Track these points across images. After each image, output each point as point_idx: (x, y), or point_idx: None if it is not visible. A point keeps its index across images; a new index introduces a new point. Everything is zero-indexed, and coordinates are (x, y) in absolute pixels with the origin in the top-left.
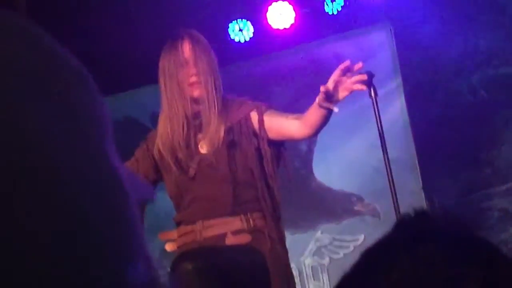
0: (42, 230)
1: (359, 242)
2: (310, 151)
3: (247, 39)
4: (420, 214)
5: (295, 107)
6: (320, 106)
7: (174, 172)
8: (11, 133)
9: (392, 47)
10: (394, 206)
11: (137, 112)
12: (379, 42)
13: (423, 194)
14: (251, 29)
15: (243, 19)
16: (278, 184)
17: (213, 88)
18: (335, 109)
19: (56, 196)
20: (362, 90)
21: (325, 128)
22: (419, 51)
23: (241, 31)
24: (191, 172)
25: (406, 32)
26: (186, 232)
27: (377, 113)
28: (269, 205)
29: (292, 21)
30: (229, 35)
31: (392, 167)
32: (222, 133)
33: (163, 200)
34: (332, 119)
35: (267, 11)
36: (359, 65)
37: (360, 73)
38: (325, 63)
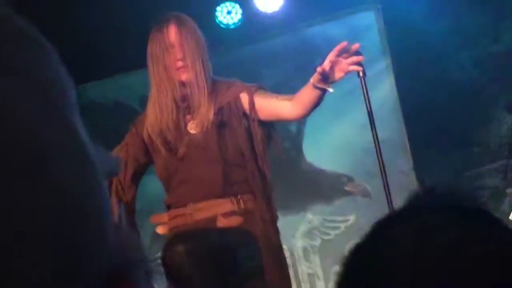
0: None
1: (349, 223)
2: (300, 132)
3: (236, 21)
4: (421, 193)
5: (284, 88)
6: (315, 86)
7: (163, 154)
8: None
9: (380, 27)
10: (384, 186)
11: (126, 97)
12: (368, 23)
13: (414, 174)
14: (239, 11)
15: (231, 2)
16: (269, 165)
17: (201, 71)
18: (330, 90)
19: (26, 166)
20: (358, 71)
21: (315, 110)
22: (408, 31)
23: (229, 13)
24: (180, 153)
25: (395, 11)
26: (177, 215)
27: (366, 93)
28: (260, 186)
29: (280, 3)
30: (217, 18)
31: (382, 147)
32: (211, 115)
33: (154, 183)
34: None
35: None
36: (356, 45)
37: (356, 54)
38: (313, 44)
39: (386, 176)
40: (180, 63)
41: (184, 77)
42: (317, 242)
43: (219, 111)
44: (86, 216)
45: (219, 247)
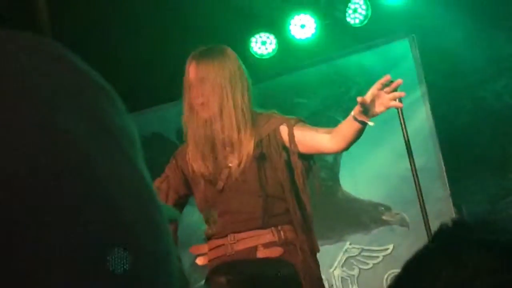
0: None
1: (388, 252)
2: (336, 162)
3: (270, 51)
4: (457, 223)
5: (319, 118)
6: (355, 119)
7: (203, 186)
8: (55, 145)
9: (415, 56)
10: (423, 215)
11: (163, 128)
12: (402, 52)
13: (451, 202)
14: (274, 41)
15: (266, 32)
16: (309, 197)
17: (222, 107)
18: (371, 123)
19: (96, 203)
20: (398, 107)
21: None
22: (443, 59)
23: (263, 44)
24: (220, 185)
25: (430, 40)
26: (217, 245)
27: (402, 122)
28: (300, 218)
29: (314, 32)
30: (252, 49)
31: (419, 175)
32: (251, 148)
33: (192, 215)
34: None
35: (290, 23)
36: (398, 81)
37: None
38: (348, 74)
39: (424, 205)
40: (199, 100)
41: (204, 114)
42: (355, 272)
43: (258, 144)
44: (156, 260)
45: (260, 278)
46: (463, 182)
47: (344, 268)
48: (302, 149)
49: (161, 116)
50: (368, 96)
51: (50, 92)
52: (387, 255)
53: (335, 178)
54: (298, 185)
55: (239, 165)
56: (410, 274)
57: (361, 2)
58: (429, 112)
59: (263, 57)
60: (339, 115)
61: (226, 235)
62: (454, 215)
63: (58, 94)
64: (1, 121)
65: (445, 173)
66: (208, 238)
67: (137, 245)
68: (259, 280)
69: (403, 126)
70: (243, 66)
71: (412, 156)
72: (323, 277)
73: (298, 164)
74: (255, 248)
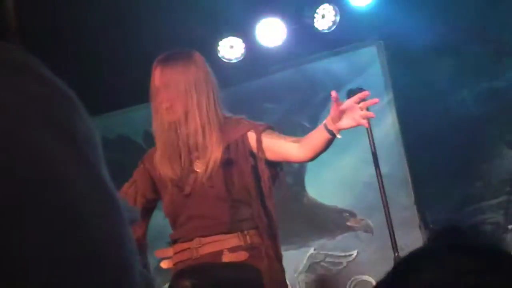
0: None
1: (352, 258)
2: (302, 167)
3: (238, 56)
4: (450, 229)
5: (286, 123)
6: (326, 128)
7: (170, 190)
8: (25, 156)
9: (383, 63)
10: (387, 221)
11: (129, 130)
12: (370, 58)
13: (415, 209)
14: (242, 46)
15: (234, 36)
16: (274, 202)
17: (187, 112)
18: (338, 136)
19: (62, 215)
20: (366, 127)
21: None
22: (410, 66)
23: (231, 48)
24: (187, 190)
25: (397, 47)
26: (183, 249)
27: (369, 129)
28: (266, 223)
29: (283, 38)
30: (219, 52)
31: (384, 182)
32: (218, 154)
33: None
34: None
35: (257, 28)
36: (365, 93)
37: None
38: (316, 79)
39: (389, 211)
40: (164, 105)
41: (169, 118)
42: (320, 277)
43: (226, 149)
44: (120, 266)
45: (225, 282)
46: (428, 190)
47: (309, 273)
48: (269, 156)
49: (129, 119)
50: (345, 105)
51: (15, 102)
52: (351, 261)
53: (301, 184)
54: (264, 191)
55: (206, 170)
56: (399, 268)
57: (330, 8)
58: (395, 119)
59: (231, 61)
60: (305, 120)
61: (192, 239)
62: (418, 222)
63: (23, 104)
64: None
65: (410, 180)
66: (174, 241)
67: (100, 253)
68: (223, 284)
69: (369, 133)
70: (210, 70)
71: (378, 163)
72: (288, 282)
73: (265, 171)
74: (220, 252)
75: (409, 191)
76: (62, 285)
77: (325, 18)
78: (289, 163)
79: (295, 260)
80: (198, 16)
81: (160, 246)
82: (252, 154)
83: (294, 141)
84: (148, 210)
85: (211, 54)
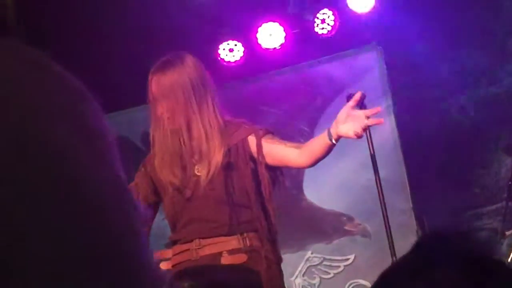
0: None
1: (349, 262)
2: (300, 170)
3: (238, 59)
4: (435, 235)
5: (284, 126)
6: (330, 137)
7: (170, 193)
8: (42, 149)
9: (382, 68)
10: (385, 226)
11: (128, 132)
12: (369, 63)
13: (413, 214)
14: (241, 49)
15: (234, 40)
16: (274, 206)
17: (189, 120)
18: (334, 141)
19: (78, 208)
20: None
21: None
22: (409, 72)
23: (231, 51)
24: (188, 193)
25: (396, 52)
26: (182, 250)
27: (368, 133)
28: (265, 226)
29: (282, 41)
30: (220, 55)
31: (382, 186)
32: (220, 158)
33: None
34: None
35: (257, 31)
36: (378, 108)
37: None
38: (314, 83)
39: (387, 216)
40: (164, 114)
41: (171, 126)
42: (316, 281)
43: (226, 153)
44: (137, 265)
45: (224, 284)
46: (426, 195)
47: (305, 277)
48: (269, 161)
49: (127, 120)
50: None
51: (34, 98)
52: (348, 265)
53: (299, 187)
54: (264, 195)
55: (207, 174)
56: (386, 283)
57: (330, 13)
58: (394, 124)
59: (230, 64)
60: (304, 124)
61: (192, 240)
62: (416, 227)
63: (42, 101)
64: None
65: (408, 185)
66: (173, 243)
67: (119, 250)
68: (222, 286)
69: (368, 137)
70: (206, 72)
71: (377, 167)
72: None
73: (265, 175)
74: (219, 254)
75: (407, 195)
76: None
77: (325, 23)
78: (288, 168)
79: (292, 264)
80: (199, 19)
81: (157, 247)
82: (252, 158)
83: (294, 147)
84: (150, 214)
85: (210, 56)
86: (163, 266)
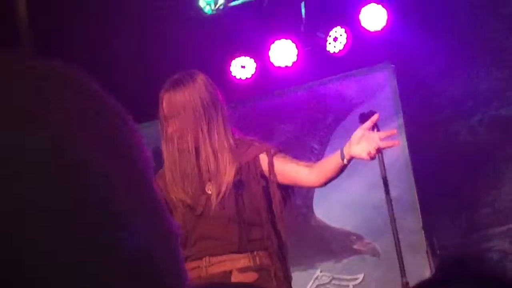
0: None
1: (358, 281)
2: (311, 189)
3: (249, 76)
4: (458, 258)
5: (296, 144)
6: (343, 157)
7: (181, 210)
8: (79, 175)
9: (394, 87)
10: (395, 246)
11: None
12: (381, 82)
13: (423, 234)
14: (253, 66)
15: (246, 57)
16: (284, 224)
17: (197, 139)
18: (345, 162)
19: (119, 241)
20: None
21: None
22: (421, 91)
23: (243, 68)
24: (198, 210)
25: (409, 72)
26: (192, 267)
27: (380, 153)
28: (276, 245)
29: (294, 59)
30: (232, 72)
31: (393, 206)
32: (231, 177)
33: None
34: None
35: (269, 49)
36: (393, 131)
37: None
38: (326, 102)
39: (397, 236)
40: (176, 134)
41: (180, 146)
42: None
43: (237, 171)
44: (178, 282)
45: None
46: (436, 215)
47: None
48: (280, 179)
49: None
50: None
51: (66, 119)
52: (357, 284)
53: (309, 205)
54: (275, 213)
55: (218, 193)
56: None
57: (342, 31)
58: (405, 144)
59: (242, 81)
60: (315, 143)
61: (201, 258)
62: (425, 248)
63: (75, 121)
64: (16, 146)
65: (418, 205)
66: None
67: (159, 272)
68: None
69: (380, 158)
70: (217, 91)
71: (388, 187)
72: None
73: (276, 194)
74: (229, 272)
75: (417, 215)
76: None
77: (337, 41)
78: (299, 187)
79: (301, 282)
80: (211, 35)
81: None
82: (264, 176)
83: (306, 166)
84: None
85: (222, 73)
86: None
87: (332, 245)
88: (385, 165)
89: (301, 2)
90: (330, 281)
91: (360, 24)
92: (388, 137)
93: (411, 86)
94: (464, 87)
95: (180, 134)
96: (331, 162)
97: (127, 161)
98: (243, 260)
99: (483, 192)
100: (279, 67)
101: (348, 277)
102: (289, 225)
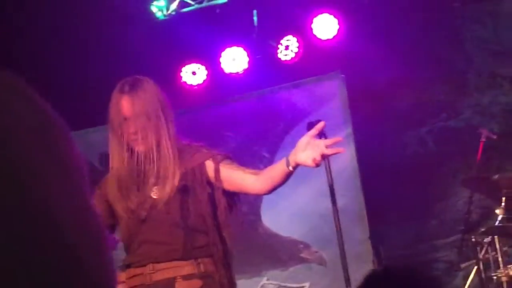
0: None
1: None
2: (259, 196)
3: (200, 82)
4: (384, 272)
5: (245, 152)
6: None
7: (126, 215)
8: (16, 181)
9: (344, 96)
10: (341, 255)
11: (86, 152)
12: (332, 91)
13: (369, 244)
14: (205, 72)
15: (197, 63)
16: (230, 231)
17: (159, 141)
18: (291, 168)
19: (50, 240)
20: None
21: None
22: (371, 101)
23: (194, 74)
24: (142, 215)
25: (359, 81)
26: (136, 274)
27: (327, 162)
28: (220, 252)
29: (245, 66)
30: (182, 78)
31: (340, 215)
32: (175, 182)
33: None
34: None
35: (221, 56)
36: (339, 138)
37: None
38: (277, 109)
39: (343, 245)
40: (133, 136)
41: (139, 148)
42: None
43: (183, 176)
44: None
45: None
46: (383, 225)
47: None
48: (227, 186)
49: (85, 141)
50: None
51: (12, 123)
52: None
53: (256, 212)
54: (220, 220)
55: (163, 197)
56: None
57: (294, 40)
58: (354, 153)
59: (193, 87)
60: (264, 151)
61: (145, 265)
62: (372, 257)
63: (19, 126)
64: None
65: (365, 215)
66: (127, 266)
67: (90, 280)
68: None
69: (327, 166)
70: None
71: (335, 196)
72: None
73: (221, 200)
74: (173, 279)
75: (365, 225)
76: None
77: (288, 49)
78: (246, 194)
79: None
80: (162, 41)
81: None
82: (210, 183)
83: (252, 173)
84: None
85: (173, 79)
86: None
87: (279, 253)
88: (332, 174)
89: (253, 10)
90: None
91: (312, 33)
92: (333, 144)
93: (361, 96)
94: (413, 98)
95: (144, 134)
96: (277, 169)
97: (64, 170)
98: (187, 267)
99: (431, 203)
100: (230, 74)
101: (294, 285)
102: (236, 232)
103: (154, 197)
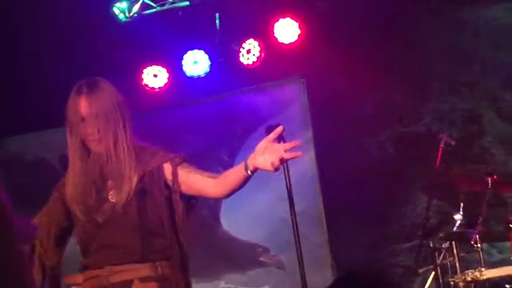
0: None
1: None
2: (218, 200)
3: (162, 85)
4: (348, 275)
5: (205, 155)
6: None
7: (82, 218)
8: None
9: (304, 101)
10: (298, 259)
11: (47, 153)
12: (292, 95)
13: (328, 248)
14: (166, 75)
15: (158, 65)
16: (187, 235)
17: (118, 141)
18: (249, 172)
19: None
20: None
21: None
22: (331, 106)
23: (155, 77)
24: (100, 218)
25: (319, 86)
26: (92, 276)
27: (286, 166)
28: (178, 255)
29: (207, 69)
30: (143, 80)
31: (299, 219)
32: (133, 184)
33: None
34: None
35: (182, 59)
36: (296, 142)
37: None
38: (236, 113)
39: (300, 249)
40: (92, 136)
41: (97, 149)
42: None
43: (140, 179)
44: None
45: None
46: (342, 229)
47: None
48: (184, 189)
49: (46, 141)
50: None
51: None
52: None
53: (216, 216)
54: (178, 223)
55: (120, 199)
56: None
57: (256, 44)
58: (313, 157)
59: (154, 90)
60: (224, 154)
61: (102, 267)
62: (331, 261)
63: None
64: None
65: (324, 219)
66: (84, 268)
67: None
68: None
69: (286, 170)
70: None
71: (293, 200)
72: None
73: (179, 203)
74: (130, 282)
75: (323, 229)
76: None
77: (250, 53)
78: (204, 197)
79: None
80: (124, 43)
81: (69, 272)
82: (167, 186)
83: (210, 177)
84: (63, 238)
85: (134, 81)
86: None
87: (238, 257)
88: (291, 178)
89: (215, 14)
90: None
91: (273, 37)
92: (292, 149)
93: (321, 101)
94: (374, 102)
95: (102, 135)
96: (235, 173)
97: None
98: (144, 270)
99: (390, 209)
100: (191, 77)
101: None
102: (195, 236)
103: (112, 200)
